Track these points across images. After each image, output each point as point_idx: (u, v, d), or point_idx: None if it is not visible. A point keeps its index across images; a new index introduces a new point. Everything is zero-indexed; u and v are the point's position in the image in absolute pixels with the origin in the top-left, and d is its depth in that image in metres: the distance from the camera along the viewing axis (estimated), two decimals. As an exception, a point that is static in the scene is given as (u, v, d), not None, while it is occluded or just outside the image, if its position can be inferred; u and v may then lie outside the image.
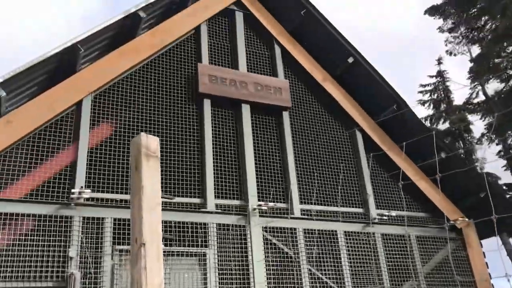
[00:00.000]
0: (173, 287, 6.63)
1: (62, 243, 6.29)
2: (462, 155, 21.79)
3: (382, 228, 8.57)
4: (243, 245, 7.49)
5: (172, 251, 6.81)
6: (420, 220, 9.10)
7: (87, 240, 6.45)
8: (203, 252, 7.14)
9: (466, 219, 9.06)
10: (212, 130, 8.07)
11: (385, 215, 8.64)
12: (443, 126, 26.07)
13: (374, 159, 9.08)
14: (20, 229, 6.19)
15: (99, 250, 6.48)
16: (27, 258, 6.05)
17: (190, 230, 7.12)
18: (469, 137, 24.80)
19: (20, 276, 5.96)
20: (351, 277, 7.97)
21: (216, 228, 7.37)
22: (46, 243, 6.21)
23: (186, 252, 6.99)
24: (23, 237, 6.15)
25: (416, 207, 9.20)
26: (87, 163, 6.84)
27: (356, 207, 8.68)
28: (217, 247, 7.26)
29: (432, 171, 8.68)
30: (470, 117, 24.38)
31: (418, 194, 9.13)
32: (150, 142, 3.39)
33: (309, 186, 8.44)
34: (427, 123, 26.31)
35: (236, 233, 7.53)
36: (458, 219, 9.00)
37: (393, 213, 8.73)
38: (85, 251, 6.38)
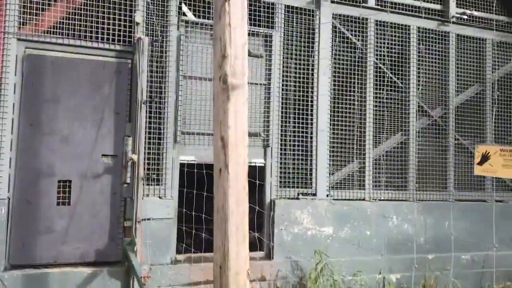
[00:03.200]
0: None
1: (128, 8, 6.10)
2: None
3: (459, 29, 7.93)
4: (310, 32, 7.15)
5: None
6: (502, 24, 8.29)
7: (154, 7, 6.20)
8: (270, 33, 6.86)
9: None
10: None
11: (466, 15, 7.90)
12: None
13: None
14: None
15: (165, 19, 6.28)
16: (98, 20, 5.95)
17: (256, 9, 6.74)
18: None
19: (89, 36, 5.93)
20: (416, 75, 7.69)
21: (284, 10, 6.97)
22: (112, 6, 6.03)
23: (251, 31, 6.72)
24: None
25: (500, 10, 8.33)
26: None
27: (434, 2, 7.94)
28: (284, 30, 6.96)
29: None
30: None
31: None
32: None
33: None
34: None
35: (305, 18, 7.13)
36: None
37: (475, 13, 7.96)
38: (151, 18, 6.19)
